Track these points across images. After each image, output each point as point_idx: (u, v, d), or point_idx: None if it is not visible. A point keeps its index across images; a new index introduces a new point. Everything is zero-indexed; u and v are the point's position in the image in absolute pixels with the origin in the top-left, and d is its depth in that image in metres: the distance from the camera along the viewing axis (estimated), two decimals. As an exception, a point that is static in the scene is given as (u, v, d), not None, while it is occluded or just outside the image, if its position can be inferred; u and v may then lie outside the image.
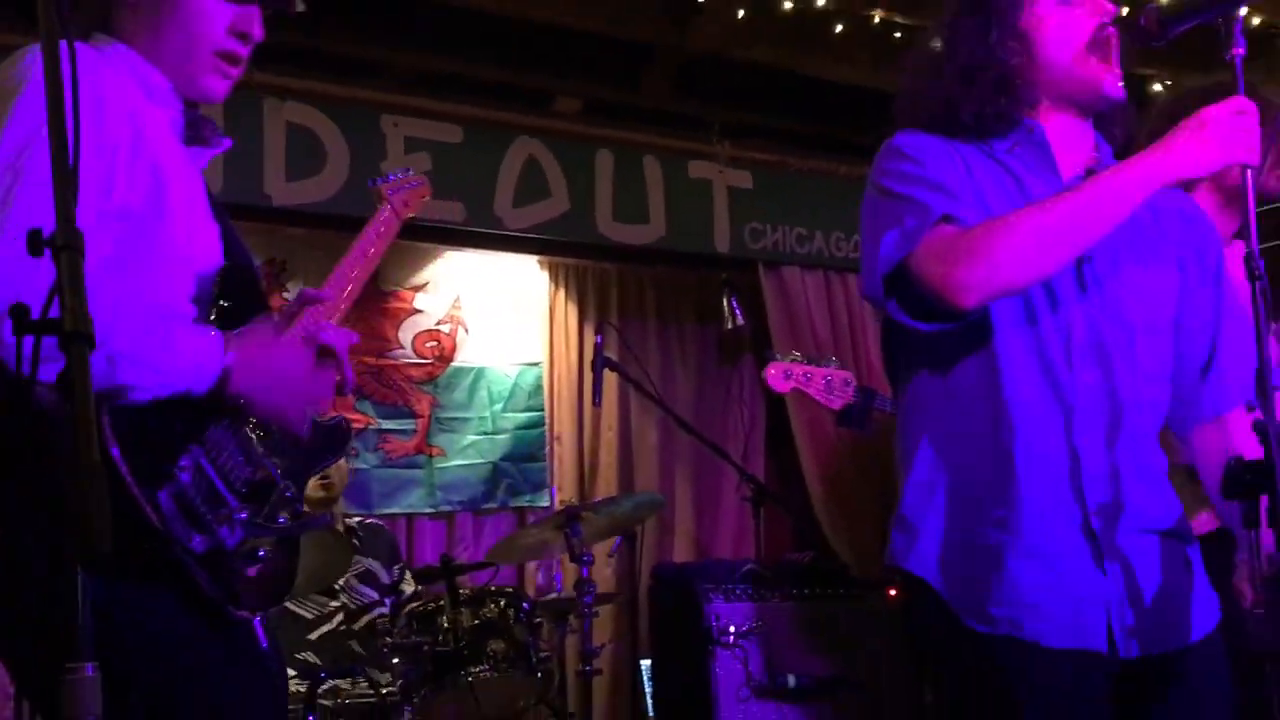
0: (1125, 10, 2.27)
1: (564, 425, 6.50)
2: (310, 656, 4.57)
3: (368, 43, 5.58)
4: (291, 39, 5.41)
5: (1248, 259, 2.05)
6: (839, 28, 5.53)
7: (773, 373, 4.09)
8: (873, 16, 5.38)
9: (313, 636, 4.63)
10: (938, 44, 2.38)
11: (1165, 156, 2.03)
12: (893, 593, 5.16)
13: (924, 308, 2.09)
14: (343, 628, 4.69)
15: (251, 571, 1.98)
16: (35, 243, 1.49)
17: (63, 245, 1.48)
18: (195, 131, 2.16)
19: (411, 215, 2.84)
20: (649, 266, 6.66)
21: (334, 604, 4.69)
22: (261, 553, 1.99)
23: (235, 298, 2.09)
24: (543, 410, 6.45)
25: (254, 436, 2.06)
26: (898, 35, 5.61)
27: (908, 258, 2.09)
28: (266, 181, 5.34)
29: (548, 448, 6.43)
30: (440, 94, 5.75)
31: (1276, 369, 2.67)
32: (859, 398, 4.13)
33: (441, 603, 4.52)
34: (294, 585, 2.18)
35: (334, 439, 2.35)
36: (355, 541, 4.91)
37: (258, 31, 2.16)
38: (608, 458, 6.55)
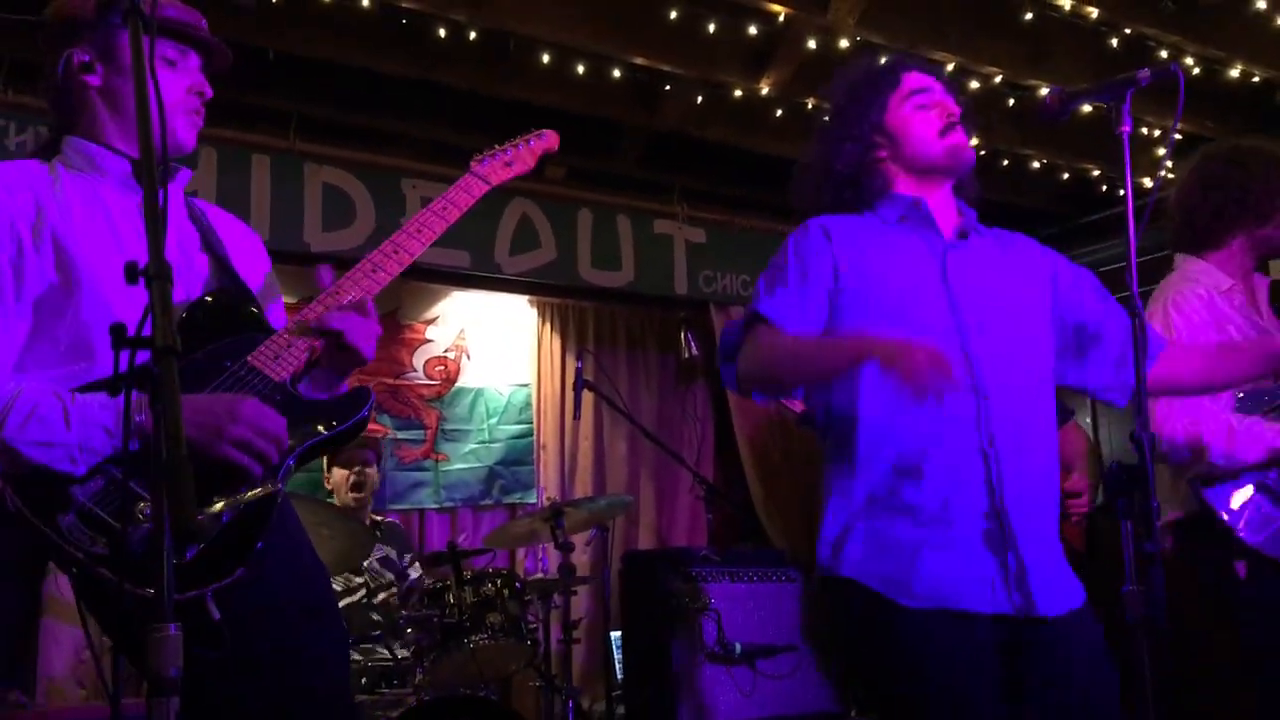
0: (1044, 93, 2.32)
1: (548, 436, 6.49)
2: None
3: (390, 118, 5.58)
4: (328, 114, 5.44)
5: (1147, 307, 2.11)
6: (779, 112, 5.57)
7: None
8: (807, 103, 5.42)
9: (340, 605, 4.61)
10: (808, 155, 2.48)
11: (863, 352, 2.07)
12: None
13: None
14: (364, 601, 4.68)
15: (185, 557, 1.80)
16: (132, 272, 1.51)
17: (154, 275, 1.51)
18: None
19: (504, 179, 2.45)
20: (620, 305, 6.66)
21: (359, 580, 4.69)
22: None
23: (203, 328, 2.00)
24: (531, 423, 6.44)
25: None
26: (827, 120, 5.67)
27: (741, 339, 2.29)
28: (306, 232, 5.32)
29: (535, 454, 6.42)
30: (449, 161, 5.75)
31: None
32: None
33: (448, 582, 4.53)
34: (251, 557, 1.88)
35: (350, 405, 2.10)
36: (378, 533, 4.92)
37: (209, 91, 2.15)
38: (585, 463, 6.54)
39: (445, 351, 6.30)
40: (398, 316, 6.12)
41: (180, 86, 2.08)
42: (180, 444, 1.38)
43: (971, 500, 2.13)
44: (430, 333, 6.28)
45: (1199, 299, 2.96)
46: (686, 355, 6.65)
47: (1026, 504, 2.15)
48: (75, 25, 2.05)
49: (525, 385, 6.47)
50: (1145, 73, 2.21)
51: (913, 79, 2.36)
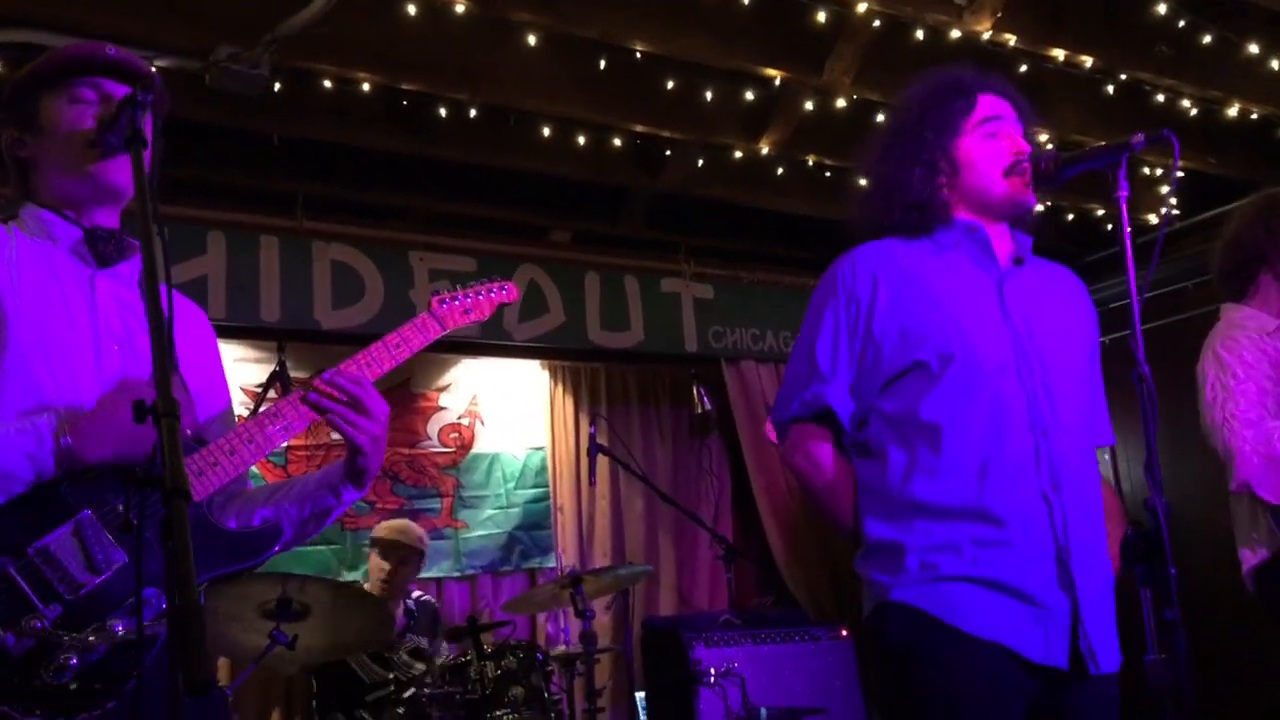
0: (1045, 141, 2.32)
1: (565, 498, 6.47)
2: (364, 715, 4.53)
3: (397, 192, 5.62)
4: (333, 192, 5.48)
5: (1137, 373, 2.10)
6: (780, 170, 5.59)
7: (770, 427, 4.04)
8: (806, 160, 5.44)
9: (368, 699, 4.57)
10: (869, 169, 2.45)
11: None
12: (844, 632, 5.15)
13: None
14: (392, 696, 4.64)
15: (62, 678, 1.73)
16: (140, 411, 1.50)
17: (163, 413, 1.49)
18: (103, 251, 2.03)
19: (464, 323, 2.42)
20: (631, 364, 6.66)
21: (389, 675, 4.64)
22: (73, 660, 1.74)
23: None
24: (547, 486, 6.42)
25: (112, 542, 1.83)
26: (827, 174, 5.69)
27: (789, 424, 2.32)
28: (316, 309, 5.34)
29: (552, 518, 6.41)
30: (456, 232, 5.79)
31: None
32: None
33: (469, 657, 4.51)
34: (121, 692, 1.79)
35: (248, 546, 2.03)
36: (410, 620, 4.90)
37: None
38: (602, 523, 6.52)
39: (459, 418, 6.30)
40: (410, 386, 6.13)
41: (87, 119, 1.99)
42: (192, 590, 1.36)
43: (1035, 545, 2.08)
44: (443, 400, 6.29)
45: (1249, 339, 3.03)
46: (699, 411, 6.63)
47: (1087, 548, 2.11)
48: (6, 104, 2.07)
49: (540, 448, 6.46)
50: (1140, 138, 2.22)
51: (987, 103, 2.33)
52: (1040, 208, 2.45)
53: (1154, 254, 2.23)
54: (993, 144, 2.31)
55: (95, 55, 2.03)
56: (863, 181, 2.49)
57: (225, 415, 2.20)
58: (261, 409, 2.11)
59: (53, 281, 1.97)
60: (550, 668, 4.72)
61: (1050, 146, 2.38)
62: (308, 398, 2.05)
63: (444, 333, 2.32)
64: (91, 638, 1.77)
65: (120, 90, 2.02)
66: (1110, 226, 6.47)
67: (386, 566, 4.90)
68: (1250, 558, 3.07)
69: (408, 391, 6.11)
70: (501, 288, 2.49)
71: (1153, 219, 6.29)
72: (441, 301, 2.35)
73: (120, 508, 1.84)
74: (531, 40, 4.37)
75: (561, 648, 5.21)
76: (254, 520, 2.12)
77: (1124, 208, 2.23)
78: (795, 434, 2.32)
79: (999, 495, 2.09)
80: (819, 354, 2.27)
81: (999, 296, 2.24)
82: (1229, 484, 2.99)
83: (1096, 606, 2.09)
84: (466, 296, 2.40)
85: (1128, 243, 2.22)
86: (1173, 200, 6.17)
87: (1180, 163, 5.88)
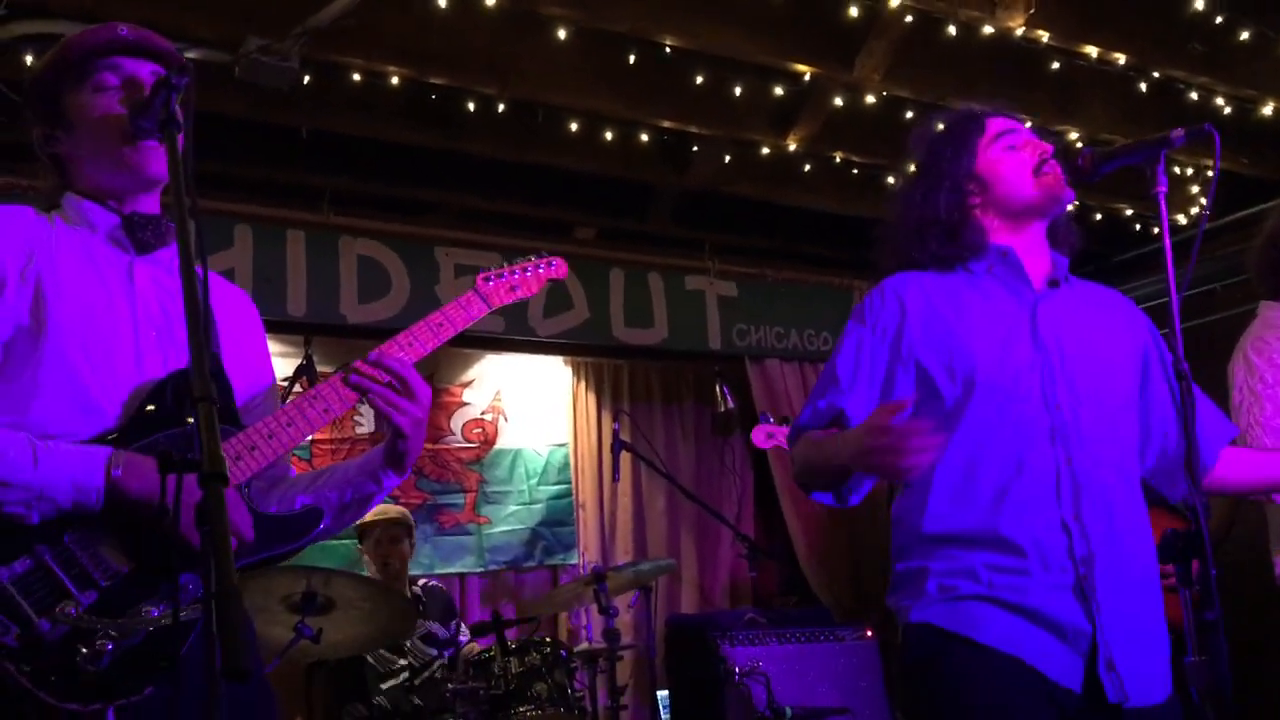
0: (1075, 139, 2.29)
1: (587, 494, 6.46)
2: (383, 701, 4.51)
3: (424, 187, 5.61)
4: (360, 187, 5.48)
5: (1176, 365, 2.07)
6: (807, 167, 5.56)
7: (757, 431, 4.01)
8: (835, 157, 5.40)
9: (383, 686, 4.57)
10: (895, 213, 2.42)
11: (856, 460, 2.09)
12: (869, 633, 5.11)
13: None
14: (406, 683, 4.63)
15: (100, 664, 1.71)
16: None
17: (200, 398, 1.48)
18: (141, 237, 2.00)
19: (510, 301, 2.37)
20: (654, 361, 6.64)
21: (402, 662, 4.64)
22: (109, 645, 1.72)
23: (169, 412, 1.88)
24: (570, 483, 6.41)
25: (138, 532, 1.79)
26: (855, 172, 5.65)
27: (800, 430, 2.28)
28: (342, 304, 5.34)
29: (575, 514, 6.39)
30: (483, 228, 5.78)
31: None
32: None
33: (493, 652, 4.49)
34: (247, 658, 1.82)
35: (289, 529, 2.02)
36: (420, 606, 4.88)
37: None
38: (624, 519, 6.51)
39: (482, 414, 6.30)
40: (434, 381, 6.12)
41: (114, 105, 1.96)
42: (231, 575, 1.34)
43: (1054, 574, 2.04)
44: (467, 395, 6.29)
45: None
46: (722, 409, 6.60)
47: (1117, 576, 2.06)
48: (30, 102, 2.05)
49: (563, 445, 6.45)
50: (1180, 133, 2.17)
51: (997, 123, 2.32)
52: (1069, 208, 2.41)
53: (1192, 251, 2.19)
54: (1015, 154, 2.29)
55: (111, 38, 2.00)
56: (891, 225, 2.45)
57: (268, 399, 2.17)
58: (288, 401, 2.06)
59: (91, 269, 1.95)
60: (574, 664, 4.70)
61: (1080, 144, 2.32)
62: (349, 379, 2.02)
63: (489, 310, 2.27)
64: (126, 623, 1.75)
65: (142, 68, 1.99)
66: (1139, 227, 6.41)
67: (379, 553, 4.85)
68: None
69: (431, 386, 6.05)
70: (549, 263, 2.44)
71: (1182, 219, 6.23)
72: (487, 279, 2.30)
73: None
74: (561, 34, 4.34)
75: (585, 644, 5.19)
76: (295, 505, 2.10)
77: (1162, 203, 2.19)
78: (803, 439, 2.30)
79: (1015, 523, 2.07)
80: (839, 369, 2.25)
81: (1031, 321, 2.21)
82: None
83: (1128, 636, 2.03)
84: (514, 273, 2.35)
85: (1166, 239, 2.17)
86: (1206, 199, 6.11)
87: (1209, 164, 5.83)
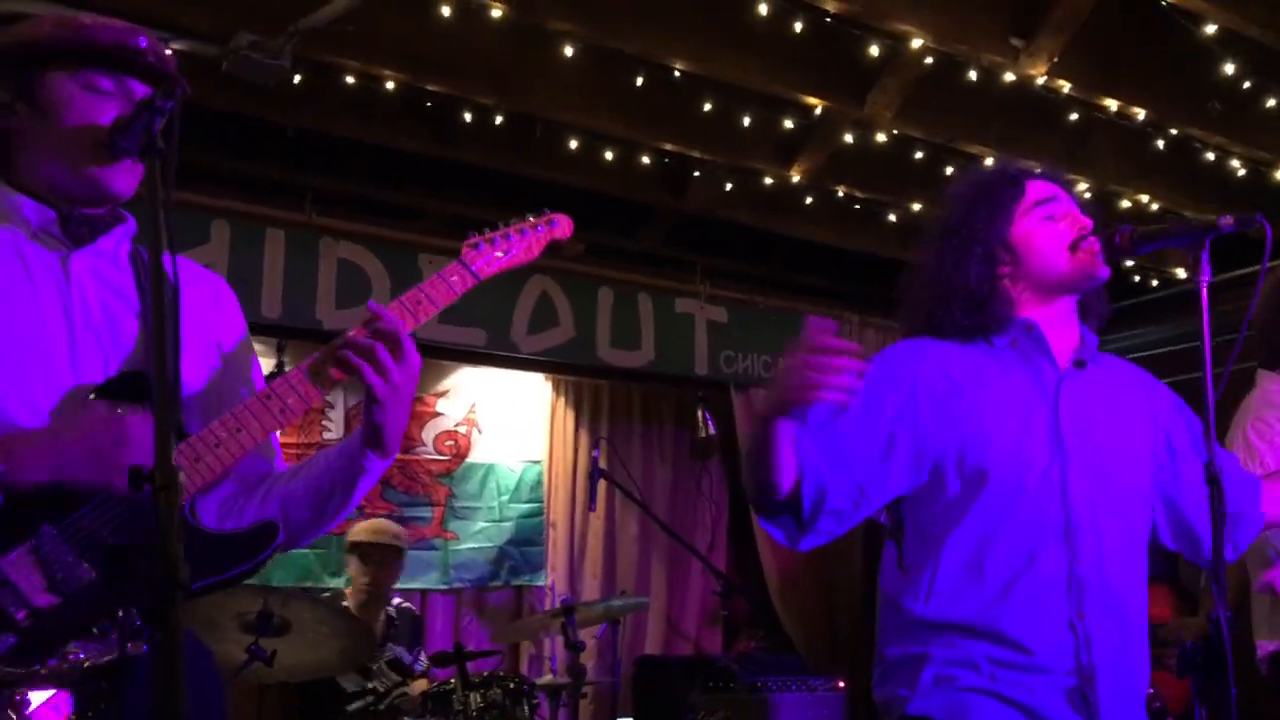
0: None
1: (559, 514, 6.32)
2: (349, 727, 4.40)
3: (411, 191, 5.42)
4: (345, 188, 5.29)
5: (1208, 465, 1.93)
6: (809, 199, 5.42)
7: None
8: (837, 190, 5.26)
9: (350, 708, 4.44)
10: (920, 271, 2.26)
11: (771, 396, 1.87)
12: (841, 684, 4.99)
13: None
14: (371, 707, 4.49)
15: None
16: (137, 478, 1.36)
17: (161, 485, 1.36)
18: (78, 232, 1.81)
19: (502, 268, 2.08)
20: (638, 383, 6.49)
21: (369, 685, 4.51)
22: (27, 699, 1.55)
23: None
24: (542, 501, 6.26)
25: (76, 559, 1.62)
26: (857, 207, 5.52)
27: None
28: (319, 308, 5.15)
29: (545, 533, 6.23)
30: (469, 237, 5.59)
31: None
32: None
33: (453, 684, 4.36)
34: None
35: (236, 549, 1.81)
36: (391, 630, 4.74)
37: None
38: (595, 544, 6.38)
39: (456, 426, 6.13)
40: (408, 389, 5.94)
41: (107, 116, 1.76)
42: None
43: (1059, 676, 1.95)
44: (441, 406, 6.11)
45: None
46: (703, 435, 6.47)
47: (1117, 686, 1.97)
48: (2, 56, 1.82)
49: (537, 462, 6.29)
50: (1229, 220, 2.03)
51: (1037, 188, 2.18)
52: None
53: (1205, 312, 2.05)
54: (1052, 225, 2.15)
55: (125, 46, 1.80)
56: (917, 280, 2.29)
57: (232, 396, 1.92)
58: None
59: (17, 266, 1.75)
60: (536, 700, 4.56)
61: (1127, 225, 2.17)
62: (340, 351, 1.81)
63: (477, 283, 1.99)
64: (47, 671, 1.55)
65: (142, 90, 1.80)
66: (1138, 278, 6.32)
67: (369, 572, 4.74)
68: (1267, 645, 2.95)
69: (405, 395, 5.91)
70: (550, 222, 2.12)
71: (1181, 273, 6.13)
72: (475, 245, 2.01)
73: (85, 522, 1.63)
74: (568, 51, 4.16)
75: (549, 676, 5.04)
76: (244, 519, 1.88)
77: (1204, 292, 2.05)
78: None
79: (1022, 619, 1.97)
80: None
81: (1053, 408, 2.07)
82: (1252, 582, 2.85)
83: None
84: (506, 237, 2.04)
85: (1206, 335, 2.04)
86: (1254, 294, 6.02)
87: (1216, 219, 5.73)
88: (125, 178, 1.79)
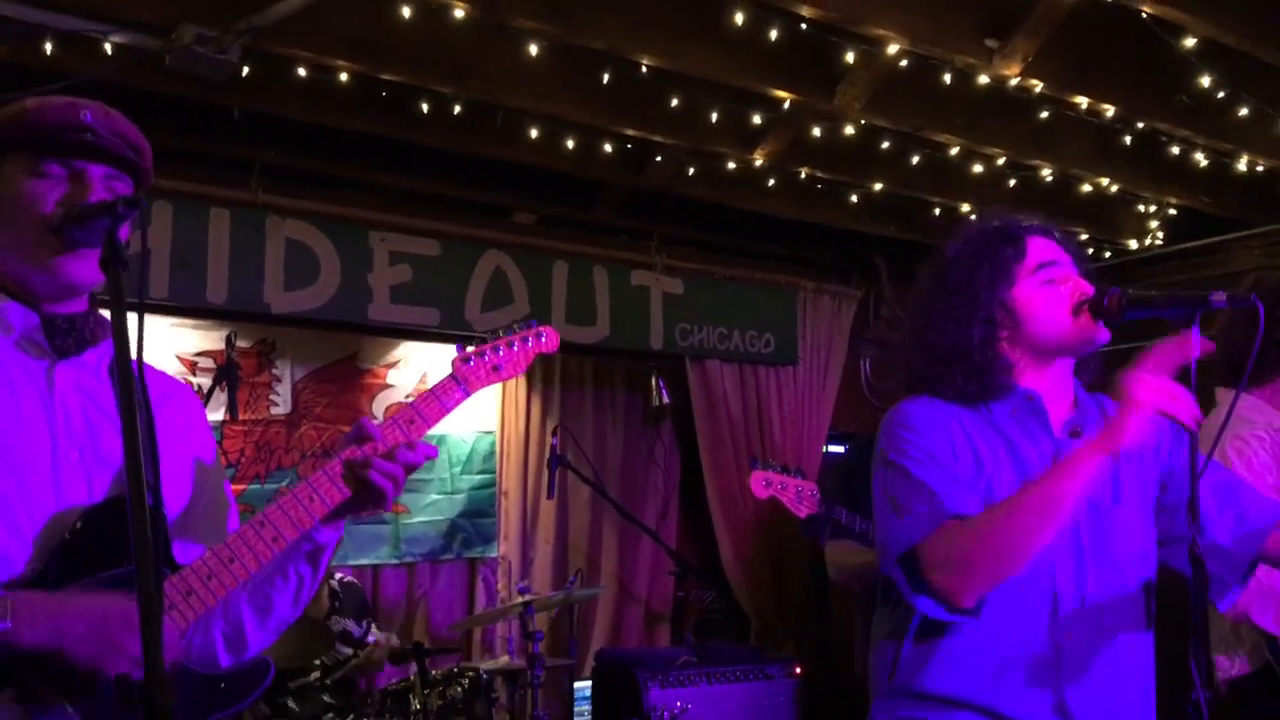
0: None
1: (510, 482, 6.26)
2: (290, 703, 4.36)
3: (361, 167, 5.24)
4: (292, 164, 5.09)
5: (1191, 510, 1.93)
6: (771, 181, 5.34)
7: (755, 480, 3.80)
8: (800, 172, 5.19)
9: (291, 685, 4.42)
10: (917, 331, 2.24)
11: (1115, 439, 1.89)
12: (798, 670, 5.08)
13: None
14: (317, 682, 4.49)
15: None
16: (125, 691, 1.41)
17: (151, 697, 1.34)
18: (62, 343, 1.75)
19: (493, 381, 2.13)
20: (591, 355, 6.44)
21: (315, 661, 4.47)
22: None
23: (97, 538, 1.66)
24: (494, 472, 6.19)
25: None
26: (819, 187, 5.45)
27: (918, 546, 1.98)
28: (267, 291, 4.99)
29: (497, 504, 6.20)
30: (423, 212, 5.45)
31: None
32: (821, 509, 3.80)
33: (413, 681, 4.38)
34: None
35: (240, 685, 1.83)
36: (335, 603, 4.71)
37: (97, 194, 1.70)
38: (546, 509, 6.33)
39: (406, 397, 6.01)
40: (357, 361, 5.80)
41: (49, 201, 1.70)
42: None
43: None
44: (391, 377, 5.98)
45: (1259, 441, 2.86)
46: (656, 403, 6.45)
47: None
48: None
49: (490, 432, 6.21)
50: (1221, 297, 1.99)
51: (1038, 248, 2.15)
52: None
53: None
54: (1052, 290, 2.12)
55: (68, 125, 1.72)
56: (914, 335, 2.26)
57: (213, 514, 1.91)
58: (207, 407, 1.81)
59: (4, 380, 1.69)
60: (495, 694, 4.61)
61: (1125, 289, 2.15)
62: (360, 471, 1.83)
63: (466, 399, 2.04)
64: None
65: (94, 170, 1.72)
66: (1090, 251, 6.36)
67: None
68: (1228, 666, 3.00)
69: (354, 367, 5.78)
70: (538, 335, 2.15)
71: (1133, 244, 6.19)
72: (466, 359, 2.03)
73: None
74: (534, 50, 4.01)
75: (505, 659, 5.08)
76: (214, 632, 1.83)
77: (1194, 367, 2.04)
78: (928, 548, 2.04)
79: (1012, 698, 2.00)
80: (921, 475, 2.05)
81: None
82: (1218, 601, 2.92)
83: None
84: (496, 350, 2.06)
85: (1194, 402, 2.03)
86: (1245, 372, 6.07)
87: (1174, 201, 5.77)
88: (83, 267, 1.70)
